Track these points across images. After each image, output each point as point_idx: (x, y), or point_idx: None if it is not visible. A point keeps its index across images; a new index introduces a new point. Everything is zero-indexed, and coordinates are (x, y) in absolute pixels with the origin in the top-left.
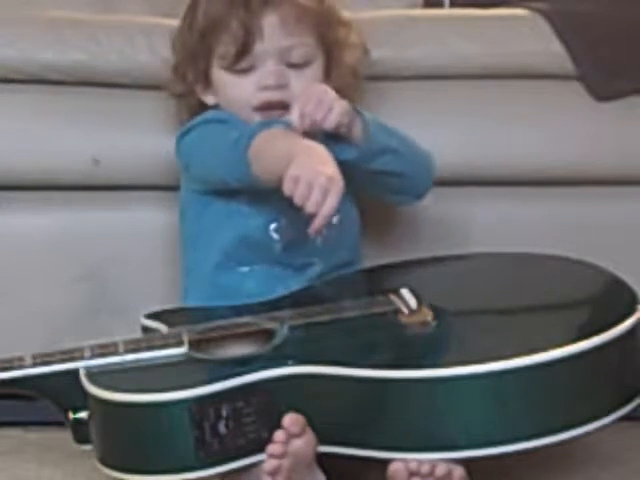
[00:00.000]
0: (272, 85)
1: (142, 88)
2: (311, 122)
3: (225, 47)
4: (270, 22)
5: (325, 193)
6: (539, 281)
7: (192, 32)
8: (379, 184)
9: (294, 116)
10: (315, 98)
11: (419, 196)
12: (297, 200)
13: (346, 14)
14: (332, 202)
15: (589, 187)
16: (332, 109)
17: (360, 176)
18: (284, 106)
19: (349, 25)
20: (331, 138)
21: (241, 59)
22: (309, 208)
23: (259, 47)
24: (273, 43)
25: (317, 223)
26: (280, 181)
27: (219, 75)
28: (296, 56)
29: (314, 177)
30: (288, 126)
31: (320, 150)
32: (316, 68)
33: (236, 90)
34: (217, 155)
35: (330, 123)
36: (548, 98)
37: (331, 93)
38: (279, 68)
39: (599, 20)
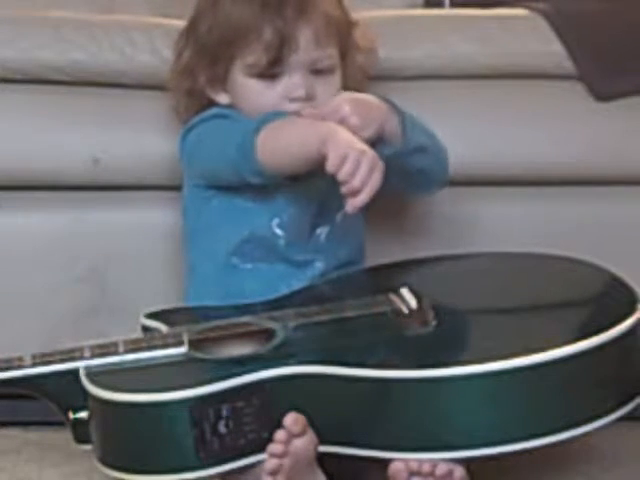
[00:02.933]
0: (302, 97)
1: (142, 88)
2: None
3: (256, 55)
4: (304, 33)
5: (372, 171)
6: (539, 281)
7: (212, 35)
8: (402, 179)
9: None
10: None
11: (433, 191)
12: (342, 176)
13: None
14: (377, 179)
15: (589, 187)
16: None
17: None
18: None
19: (358, 25)
20: None
21: (272, 68)
22: (356, 184)
23: (292, 58)
24: (305, 55)
25: (361, 199)
26: (296, 163)
27: (242, 80)
28: (323, 65)
29: (361, 154)
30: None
31: (343, 128)
32: (338, 74)
33: (262, 97)
34: (220, 148)
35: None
36: (548, 98)
37: (347, 105)
38: (308, 78)
39: (599, 20)
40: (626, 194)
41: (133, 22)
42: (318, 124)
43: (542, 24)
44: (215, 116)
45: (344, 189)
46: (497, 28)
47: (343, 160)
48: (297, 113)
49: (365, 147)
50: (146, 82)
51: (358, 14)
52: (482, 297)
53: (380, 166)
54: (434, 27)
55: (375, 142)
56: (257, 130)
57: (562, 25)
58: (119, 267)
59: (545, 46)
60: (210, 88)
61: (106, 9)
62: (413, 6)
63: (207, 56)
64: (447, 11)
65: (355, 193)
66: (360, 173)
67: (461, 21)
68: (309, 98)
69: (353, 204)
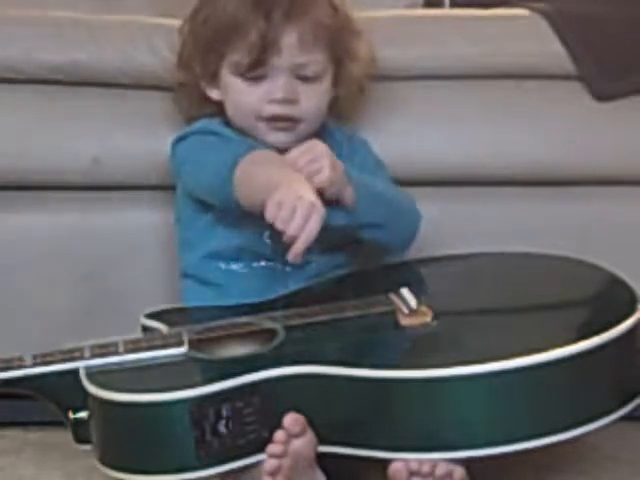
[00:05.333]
0: (282, 99)
1: (142, 88)
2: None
3: (239, 55)
4: (289, 39)
5: (307, 218)
6: (539, 281)
7: (207, 28)
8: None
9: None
10: (310, 155)
11: (393, 253)
12: (279, 224)
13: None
14: (313, 226)
15: (589, 187)
16: (321, 172)
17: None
18: (291, 120)
19: (360, 34)
20: (326, 204)
21: (254, 70)
22: (291, 231)
23: (275, 61)
24: (289, 59)
25: (297, 247)
26: (260, 207)
27: (228, 78)
28: (309, 71)
29: (297, 202)
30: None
31: (301, 178)
32: (325, 82)
33: (244, 97)
34: (205, 171)
35: (314, 184)
36: (548, 98)
37: (328, 157)
38: (290, 82)
39: (599, 20)
40: (626, 194)
41: (133, 22)
42: (280, 168)
43: (542, 24)
44: (204, 131)
45: (284, 237)
46: (497, 28)
47: (279, 208)
48: (276, 116)
49: (304, 194)
50: (146, 82)
51: (358, 14)
52: (482, 297)
53: (317, 215)
54: (434, 27)
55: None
56: (233, 167)
57: (562, 25)
58: (119, 267)
59: (545, 46)
60: (203, 82)
61: (106, 9)
62: (413, 6)
63: (201, 49)
64: (447, 11)
65: (292, 241)
66: (295, 220)
67: (461, 21)
68: (289, 102)
69: (292, 252)
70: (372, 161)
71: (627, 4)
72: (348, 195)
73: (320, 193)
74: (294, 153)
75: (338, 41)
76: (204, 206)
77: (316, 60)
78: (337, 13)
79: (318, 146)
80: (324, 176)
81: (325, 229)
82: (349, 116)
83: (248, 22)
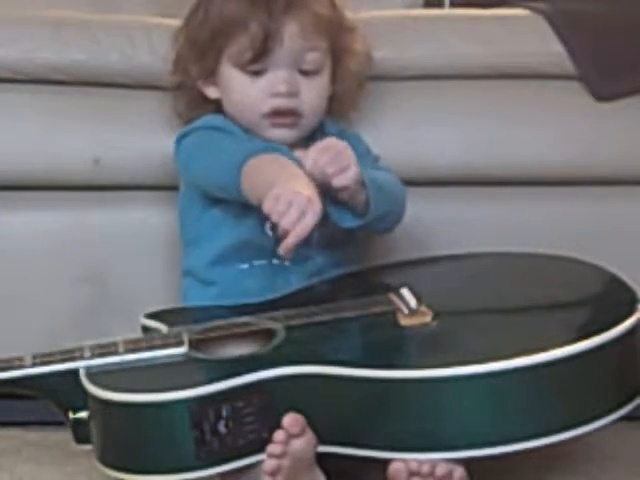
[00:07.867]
0: (284, 92)
1: (142, 88)
2: (321, 174)
3: (241, 47)
4: (290, 29)
5: (302, 213)
6: (539, 281)
7: (203, 29)
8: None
9: (307, 161)
10: (333, 151)
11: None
12: (274, 217)
13: (349, 15)
14: (308, 222)
15: (589, 187)
16: (347, 169)
17: None
18: (293, 113)
19: (355, 30)
20: (335, 205)
21: (256, 62)
22: (284, 224)
23: (277, 51)
24: (290, 50)
25: (289, 241)
26: (261, 203)
27: (229, 73)
28: (309, 63)
29: (294, 196)
30: (288, 154)
31: (303, 176)
32: (325, 76)
33: (245, 92)
34: (213, 166)
35: (340, 182)
36: (548, 98)
37: (351, 153)
38: (291, 75)
39: (599, 20)
40: (626, 194)
41: (133, 22)
42: (285, 168)
43: (542, 24)
44: (208, 127)
45: (279, 231)
46: (497, 28)
47: (276, 201)
48: (278, 109)
49: (302, 190)
50: (146, 82)
51: (358, 14)
52: (482, 297)
53: (313, 210)
54: (434, 27)
55: (344, 213)
56: (242, 164)
57: (562, 25)
58: (119, 267)
59: (545, 46)
60: (201, 81)
61: (106, 9)
62: (413, 6)
63: (198, 49)
64: (447, 11)
65: (285, 235)
66: (289, 215)
67: (461, 21)
68: (291, 94)
69: (283, 245)
70: (363, 152)
71: (627, 4)
72: (362, 195)
73: (336, 193)
74: (313, 153)
75: (336, 34)
76: (209, 202)
77: (317, 47)
78: (335, 8)
79: (339, 143)
80: (352, 172)
81: (335, 229)
82: (348, 114)
83: (248, 17)
